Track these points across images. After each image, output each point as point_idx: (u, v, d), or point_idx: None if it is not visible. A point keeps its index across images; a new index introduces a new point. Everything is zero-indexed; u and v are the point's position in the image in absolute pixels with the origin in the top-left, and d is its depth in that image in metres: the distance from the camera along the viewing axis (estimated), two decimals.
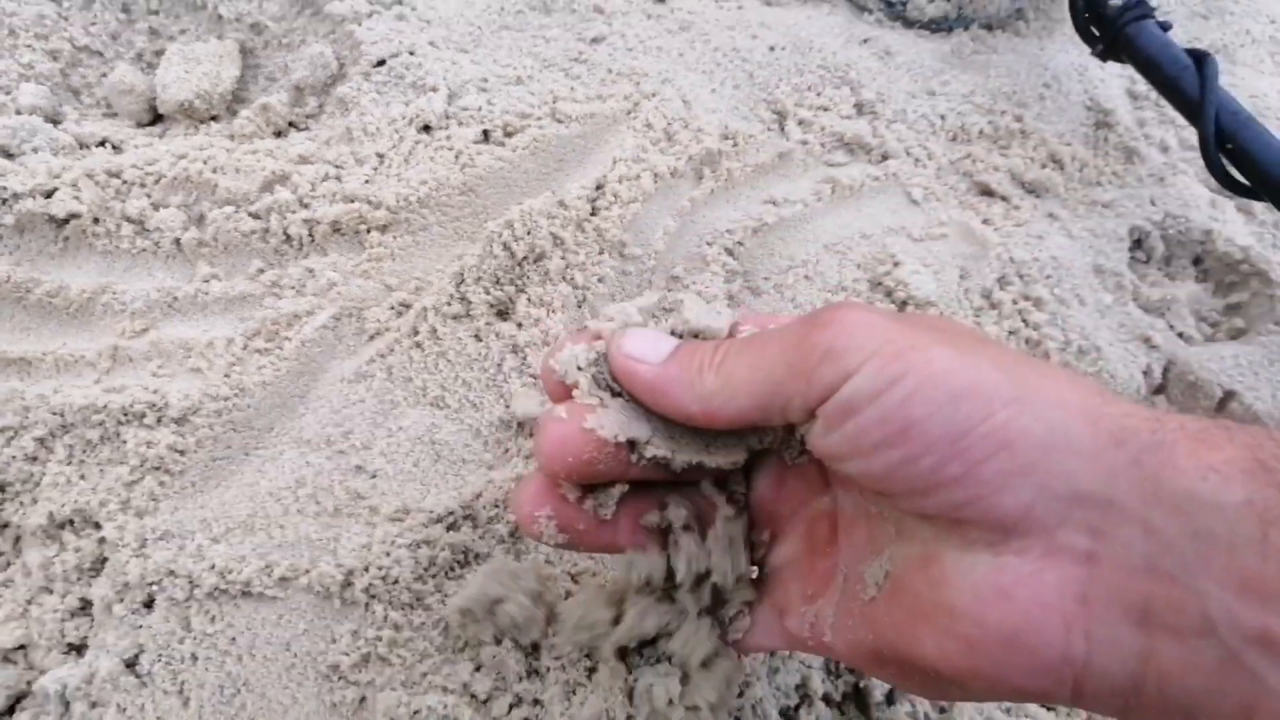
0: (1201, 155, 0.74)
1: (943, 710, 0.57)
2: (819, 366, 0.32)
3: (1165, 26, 0.79)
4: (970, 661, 0.30)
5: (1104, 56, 0.83)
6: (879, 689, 0.57)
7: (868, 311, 0.32)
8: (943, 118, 0.84)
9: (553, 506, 0.39)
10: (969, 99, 0.86)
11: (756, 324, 0.40)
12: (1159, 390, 0.77)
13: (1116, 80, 0.91)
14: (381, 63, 0.70)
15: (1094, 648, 0.28)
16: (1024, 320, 0.73)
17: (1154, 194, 0.84)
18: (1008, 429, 0.29)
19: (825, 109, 0.81)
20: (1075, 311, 0.75)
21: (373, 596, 0.51)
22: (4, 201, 0.58)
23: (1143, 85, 0.91)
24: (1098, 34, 0.82)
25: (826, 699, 0.57)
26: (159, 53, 0.71)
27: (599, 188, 0.67)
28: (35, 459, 0.53)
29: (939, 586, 0.31)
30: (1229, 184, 0.73)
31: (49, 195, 0.59)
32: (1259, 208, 0.85)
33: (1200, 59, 0.75)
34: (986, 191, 0.81)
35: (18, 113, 0.64)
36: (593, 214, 0.66)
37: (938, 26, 0.92)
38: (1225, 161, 0.73)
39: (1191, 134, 0.88)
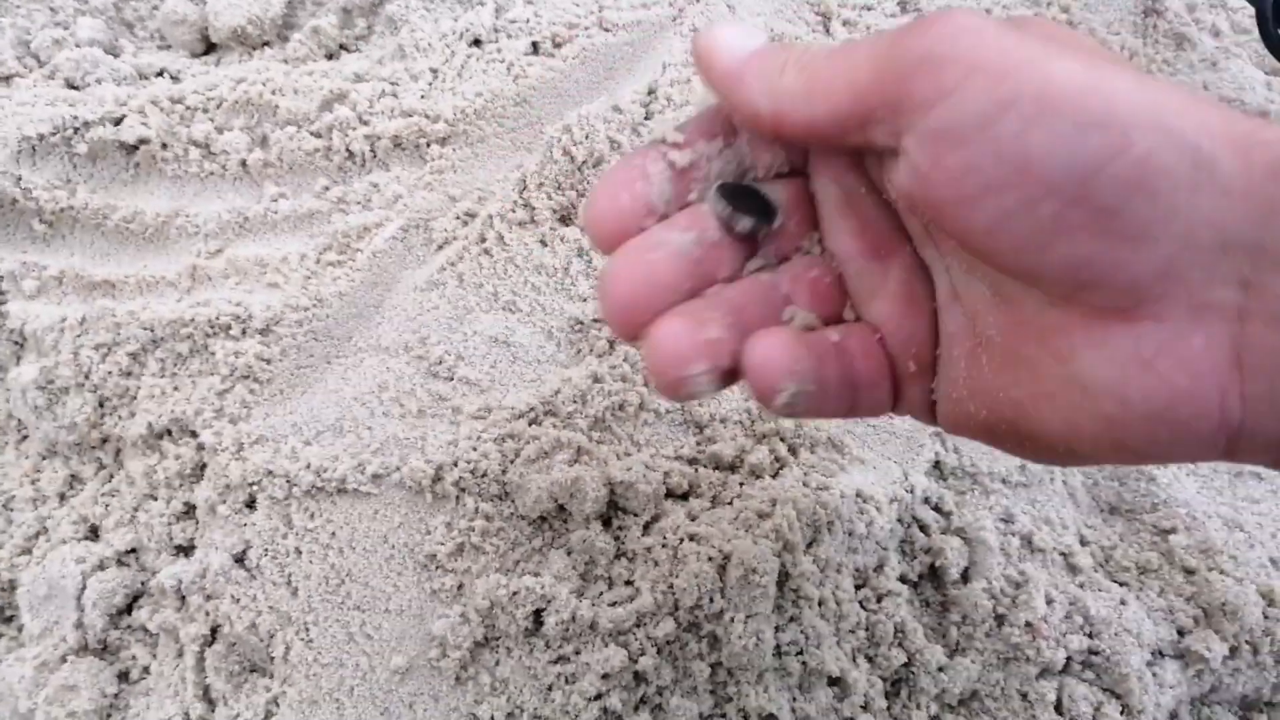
0: (1259, 31, 0.73)
1: (1018, 585, 0.58)
2: (912, 77, 0.26)
3: None
4: (1111, 437, 0.27)
5: None
6: (954, 568, 0.58)
7: (978, 17, 0.26)
8: (988, 11, 0.83)
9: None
10: None
11: None
12: None
13: None
14: None
15: (1249, 410, 0.26)
16: None
17: (1207, 79, 0.82)
18: (1146, 166, 0.24)
19: (869, 8, 0.80)
20: None
21: (463, 490, 0.52)
22: (76, 130, 0.59)
23: None
24: None
25: (903, 578, 0.58)
26: None
27: (651, 93, 0.68)
28: (130, 374, 0.55)
29: (1067, 360, 0.27)
30: None
31: (118, 123, 0.60)
32: None
33: None
34: None
35: (77, 45, 0.65)
36: (647, 118, 0.66)
37: None
38: None
39: (1242, 17, 0.87)
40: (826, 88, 0.29)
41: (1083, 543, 0.62)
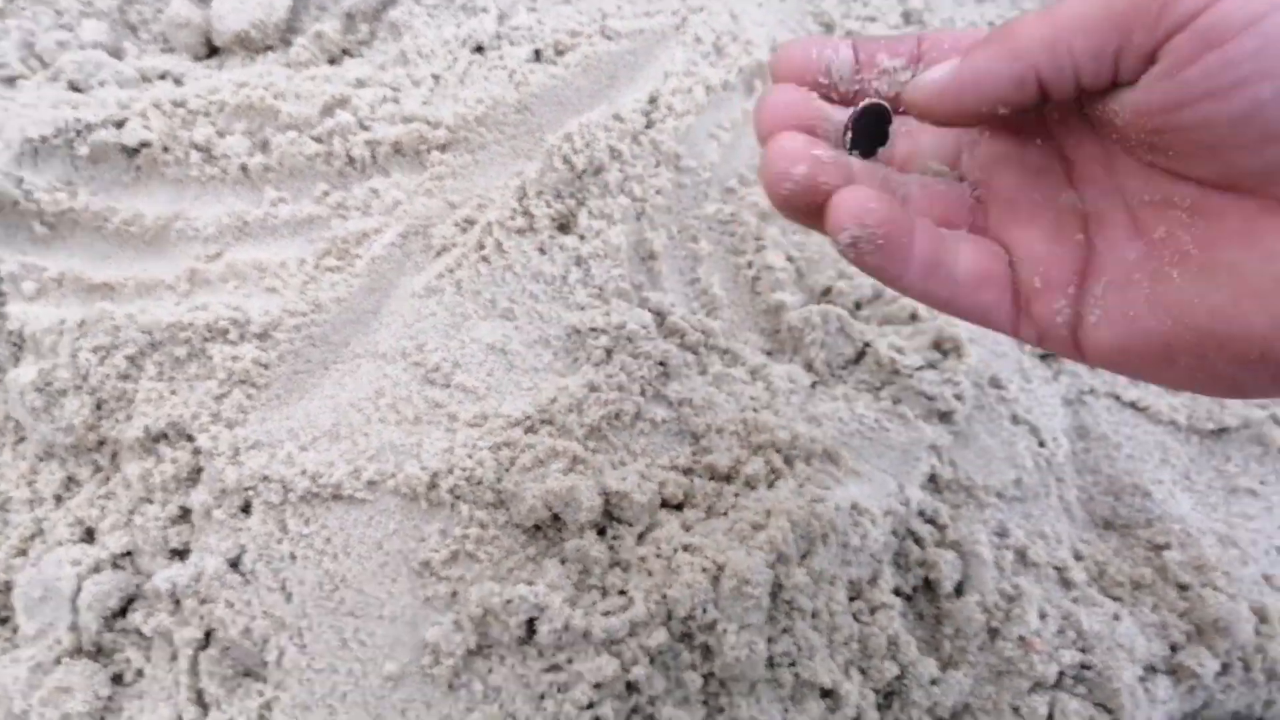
0: None
1: (1011, 599, 0.58)
2: None
3: None
4: None
5: None
6: (948, 581, 0.58)
7: None
8: (991, 24, 0.83)
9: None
10: (1017, 4, 0.85)
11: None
12: None
13: None
14: None
15: None
16: None
17: None
18: None
19: (872, 19, 0.80)
20: None
21: (458, 497, 0.52)
22: (78, 133, 0.60)
23: None
24: None
25: (897, 591, 0.58)
26: None
27: (652, 101, 0.68)
28: (127, 377, 0.55)
29: (1273, 258, 0.30)
30: None
31: (120, 125, 0.61)
32: None
33: None
34: None
35: (81, 48, 0.65)
36: (648, 126, 0.66)
37: None
38: None
39: None
40: (1072, 20, 0.31)
41: (1077, 557, 0.62)
